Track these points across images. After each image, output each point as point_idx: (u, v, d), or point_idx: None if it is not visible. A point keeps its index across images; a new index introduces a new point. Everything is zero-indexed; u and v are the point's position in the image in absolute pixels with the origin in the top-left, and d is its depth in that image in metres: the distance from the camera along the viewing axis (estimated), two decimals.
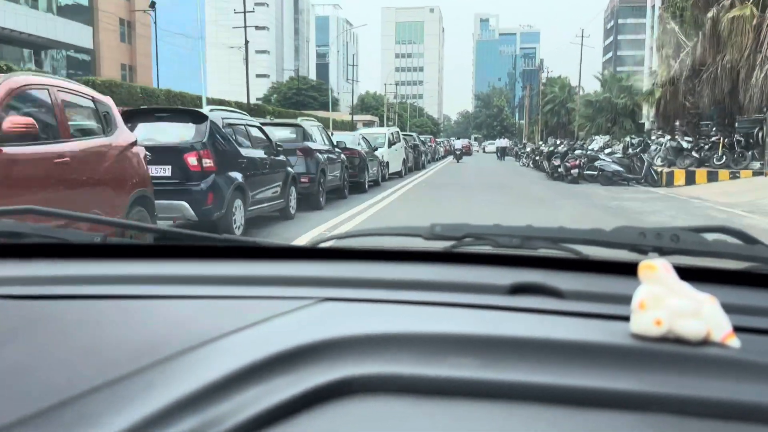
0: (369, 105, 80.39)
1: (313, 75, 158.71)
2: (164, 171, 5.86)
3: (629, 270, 0.72)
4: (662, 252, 0.79)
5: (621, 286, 0.74)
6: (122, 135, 4.73)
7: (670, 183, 15.57)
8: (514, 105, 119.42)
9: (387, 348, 0.59)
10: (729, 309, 0.61)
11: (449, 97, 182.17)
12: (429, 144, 31.14)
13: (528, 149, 29.61)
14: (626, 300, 0.63)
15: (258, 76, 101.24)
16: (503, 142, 40.30)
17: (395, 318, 0.67)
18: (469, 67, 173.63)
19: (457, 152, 36.55)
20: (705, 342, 0.59)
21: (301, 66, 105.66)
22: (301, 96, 70.17)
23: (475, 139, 69.35)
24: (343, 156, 11.21)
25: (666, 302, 0.60)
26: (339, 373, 0.55)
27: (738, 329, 0.61)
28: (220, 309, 0.73)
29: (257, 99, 61.06)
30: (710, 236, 0.81)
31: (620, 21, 77.14)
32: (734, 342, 0.59)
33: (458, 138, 57.75)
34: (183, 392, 0.51)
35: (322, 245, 1.00)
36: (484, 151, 63.11)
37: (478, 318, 0.68)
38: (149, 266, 0.90)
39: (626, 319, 0.62)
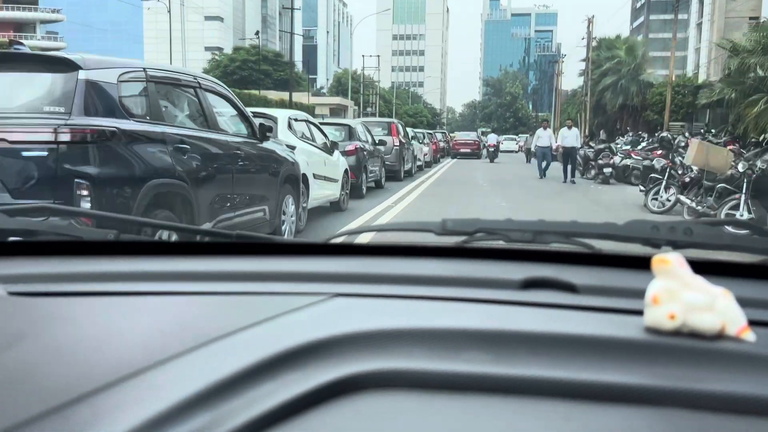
0: (346, 86, 57.55)
1: (299, 57, 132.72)
2: None
3: (642, 264, 0.75)
4: (676, 246, 0.81)
5: (634, 280, 0.76)
6: None
7: None
8: (528, 95, 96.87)
9: (399, 343, 0.61)
10: (744, 303, 0.63)
11: (454, 87, 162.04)
12: (382, 140, 13.43)
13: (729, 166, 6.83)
14: (640, 294, 0.65)
15: (207, 48, 77.87)
16: (568, 137, 16.23)
17: (407, 313, 0.70)
18: (477, 53, 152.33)
19: (491, 149, 29.90)
20: (719, 336, 0.61)
21: (269, 41, 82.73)
22: (247, 71, 55.59)
23: (483, 133, 48.25)
24: None
25: (680, 296, 0.62)
26: (351, 368, 0.57)
27: (753, 323, 0.63)
28: (233, 305, 0.76)
29: None
30: (724, 229, 0.83)
31: None
32: (749, 336, 0.61)
33: (486, 131, 48.74)
34: (195, 388, 0.51)
35: (334, 241, 1.04)
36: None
37: (490, 313, 0.71)
38: (162, 263, 0.94)
39: (640, 313, 0.64)
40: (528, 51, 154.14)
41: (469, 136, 34.80)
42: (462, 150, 32.42)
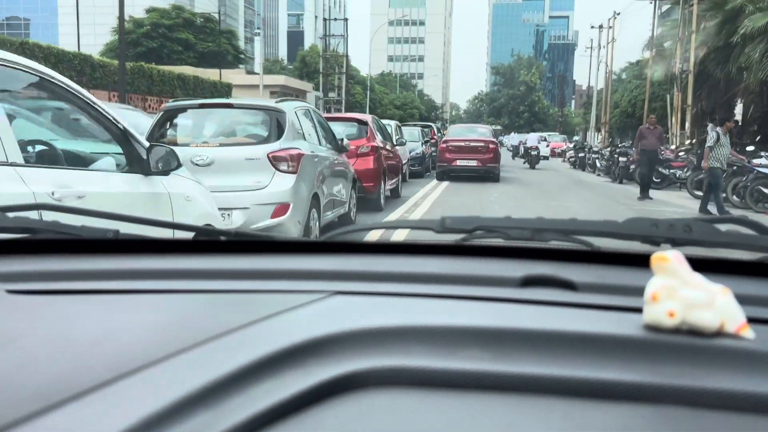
0: (314, 68, 47.98)
1: (284, 45, 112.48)
2: None
3: (642, 261, 0.79)
4: (675, 243, 0.84)
5: (634, 277, 0.79)
6: None
7: None
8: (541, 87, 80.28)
9: (398, 341, 0.63)
10: (742, 300, 0.66)
11: (459, 82, 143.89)
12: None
13: None
14: (639, 292, 0.67)
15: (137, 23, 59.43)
16: None
17: (406, 311, 0.72)
18: (484, 41, 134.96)
19: (533, 152, 22.33)
20: (719, 333, 0.63)
21: (229, 17, 65.58)
22: (158, 41, 40.05)
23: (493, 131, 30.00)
24: None
25: (679, 294, 0.64)
26: (350, 366, 0.60)
27: (752, 320, 0.65)
28: (232, 303, 0.79)
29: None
30: (723, 227, 0.86)
31: None
32: (748, 333, 0.64)
33: (497, 129, 38.07)
34: (195, 386, 0.53)
35: (334, 239, 1.07)
36: (521, 155, 29.46)
37: (489, 310, 0.73)
38: (161, 261, 0.97)
39: (639, 310, 0.67)
40: (541, 40, 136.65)
41: (475, 132, 17.52)
42: (460, 162, 15.07)
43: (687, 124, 22.09)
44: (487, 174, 16.01)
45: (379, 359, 0.60)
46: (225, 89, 30.10)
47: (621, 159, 16.69)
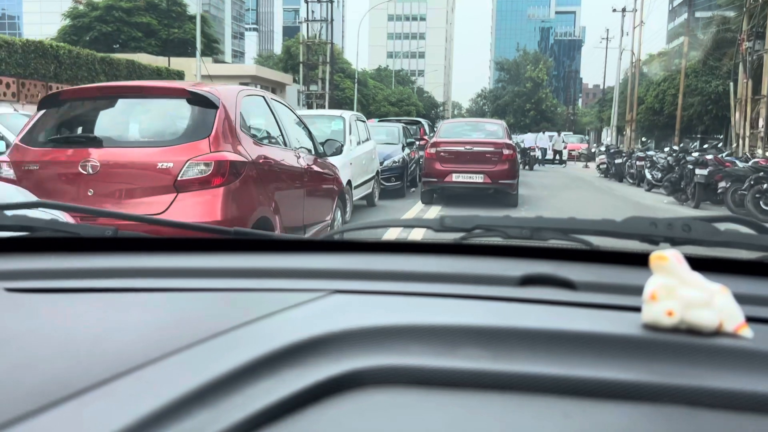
0: (299, 59, 41.01)
1: (279, 42, 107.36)
2: None
3: (640, 260, 0.80)
4: (673, 242, 0.85)
5: (632, 276, 0.80)
6: None
7: None
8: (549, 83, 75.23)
9: (397, 340, 0.64)
10: (741, 299, 0.66)
11: (461, 82, 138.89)
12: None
13: None
14: (638, 291, 0.68)
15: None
16: None
17: (405, 310, 0.74)
18: (487, 38, 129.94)
19: (531, 153, 20.31)
20: (717, 333, 0.64)
21: (212, 6, 61.11)
22: (112, 24, 35.19)
23: None
24: None
25: (678, 293, 0.64)
26: (349, 365, 0.60)
27: (751, 319, 0.66)
28: (231, 301, 0.80)
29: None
30: (722, 226, 0.87)
31: None
32: (747, 332, 0.64)
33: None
34: (193, 385, 0.54)
35: (333, 238, 1.09)
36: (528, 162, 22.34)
37: (488, 309, 0.74)
38: (160, 259, 0.98)
39: (638, 310, 0.67)
40: (546, 36, 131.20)
41: (481, 130, 11.41)
42: (457, 177, 9.54)
43: (761, 122, 16.79)
44: (501, 193, 10.21)
45: (378, 358, 0.60)
46: (174, 78, 24.95)
47: (698, 172, 10.87)
